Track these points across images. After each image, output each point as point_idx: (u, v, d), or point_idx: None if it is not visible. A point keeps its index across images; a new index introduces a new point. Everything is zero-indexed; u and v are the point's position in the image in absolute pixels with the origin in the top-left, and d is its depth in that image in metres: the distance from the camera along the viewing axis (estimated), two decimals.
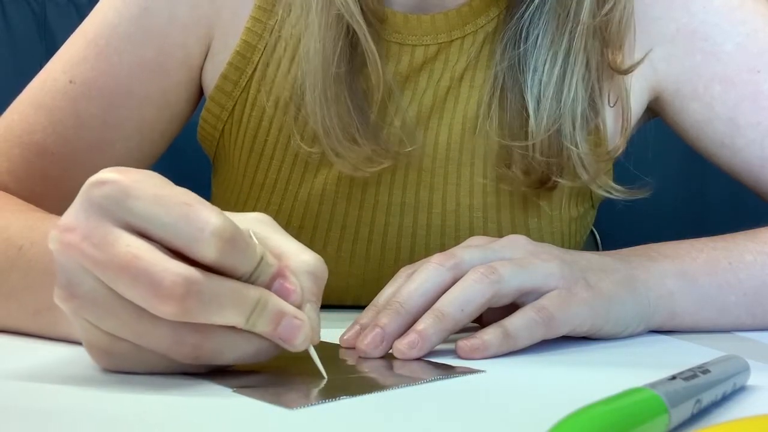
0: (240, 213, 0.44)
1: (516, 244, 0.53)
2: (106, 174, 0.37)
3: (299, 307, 0.40)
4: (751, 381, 0.41)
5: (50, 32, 1.24)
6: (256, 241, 0.40)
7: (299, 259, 0.42)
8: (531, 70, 0.65)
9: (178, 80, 0.69)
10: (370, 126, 0.63)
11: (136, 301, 0.36)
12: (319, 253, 0.68)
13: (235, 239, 0.37)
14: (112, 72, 0.67)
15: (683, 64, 0.68)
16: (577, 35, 0.63)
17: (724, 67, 0.67)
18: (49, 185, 0.67)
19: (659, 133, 0.74)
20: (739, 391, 0.40)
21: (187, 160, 0.94)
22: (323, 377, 0.40)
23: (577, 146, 0.64)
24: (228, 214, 0.42)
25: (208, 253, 0.37)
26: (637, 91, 0.69)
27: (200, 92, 0.72)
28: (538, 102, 0.64)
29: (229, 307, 0.37)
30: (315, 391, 0.38)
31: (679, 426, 0.32)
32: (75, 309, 0.38)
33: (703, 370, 0.36)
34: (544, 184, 0.66)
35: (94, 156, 0.68)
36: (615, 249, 0.59)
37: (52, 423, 0.33)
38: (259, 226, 0.43)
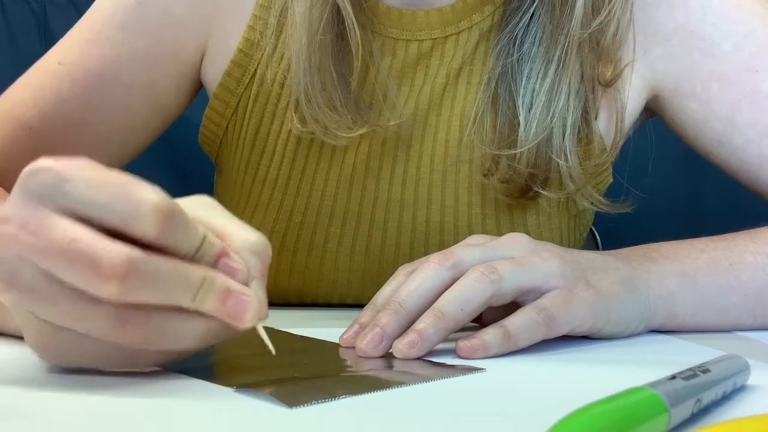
0: (182, 197, 0.43)
1: (516, 242, 0.53)
2: (41, 162, 0.37)
3: (246, 284, 0.40)
4: (751, 381, 0.41)
5: (50, 32, 1.24)
6: (189, 217, 0.40)
7: (242, 237, 0.42)
8: (524, 78, 0.65)
9: (167, 73, 0.70)
10: (351, 95, 0.63)
11: (77, 283, 0.36)
12: (320, 249, 0.70)
13: (174, 215, 0.37)
14: (100, 56, 0.68)
15: (681, 63, 0.68)
16: (569, 45, 0.63)
17: (721, 67, 0.67)
18: (28, 161, 0.67)
19: (658, 133, 0.74)
20: (739, 390, 0.40)
21: (189, 161, 0.94)
22: (272, 353, 0.40)
23: (565, 157, 0.64)
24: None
25: (147, 229, 0.36)
26: (635, 91, 0.69)
27: (195, 89, 0.73)
28: (529, 110, 0.64)
29: (173, 286, 0.37)
30: (315, 391, 0.38)
31: (679, 426, 0.32)
32: (15, 300, 0.37)
33: (703, 369, 0.36)
34: (525, 194, 0.67)
35: (72, 135, 0.69)
36: (615, 249, 0.59)
37: (53, 423, 0.33)
38: (200, 208, 0.42)
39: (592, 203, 0.68)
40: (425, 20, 0.67)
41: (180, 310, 0.38)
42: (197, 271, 0.38)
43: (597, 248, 1.07)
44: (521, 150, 0.64)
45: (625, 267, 0.55)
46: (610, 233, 1.06)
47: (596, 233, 1.07)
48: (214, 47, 0.69)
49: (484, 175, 0.67)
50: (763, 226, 0.62)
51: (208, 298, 0.38)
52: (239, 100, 0.69)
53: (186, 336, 0.39)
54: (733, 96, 0.67)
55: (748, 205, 0.74)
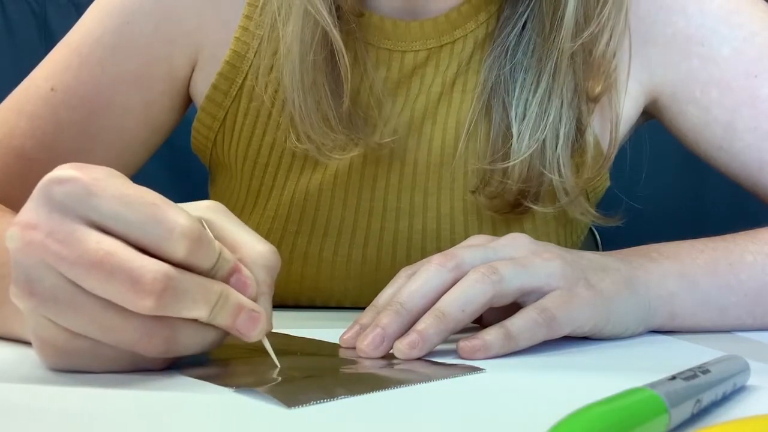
0: (192, 202, 0.44)
1: (517, 242, 0.53)
2: (66, 171, 0.38)
3: (255, 299, 0.42)
4: (751, 381, 0.41)
5: (50, 32, 1.24)
6: (210, 234, 0.41)
7: (255, 250, 0.43)
8: (518, 88, 0.65)
9: (161, 92, 0.69)
10: (343, 114, 0.63)
11: (110, 296, 0.37)
12: (315, 259, 0.69)
13: (200, 239, 0.38)
14: (93, 82, 0.68)
15: (680, 68, 0.68)
16: (560, 56, 0.62)
17: (721, 72, 0.67)
18: (26, 190, 0.67)
19: (659, 133, 0.74)
20: (739, 391, 0.40)
21: (187, 160, 0.94)
22: (277, 366, 0.42)
23: (559, 169, 0.64)
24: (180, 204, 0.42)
25: (177, 252, 0.38)
26: (633, 96, 0.69)
27: (186, 103, 0.72)
28: (522, 120, 0.64)
29: (198, 302, 0.39)
30: (314, 390, 0.38)
31: (679, 426, 0.32)
32: (34, 306, 0.38)
33: (703, 370, 0.36)
34: (513, 209, 0.67)
35: (74, 162, 0.68)
36: (615, 249, 0.59)
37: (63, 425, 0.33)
38: (212, 215, 0.43)
39: (583, 215, 0.68)
40: (420, 30, 0.66)
41: (195, 321, 0.40)
42: (216, 287, 0.39)
43: (597, 249, 1.07)
44: (513, 162, 0.63)
45: (625, 267, 0.55)
46: (610, 234, 1.06)
47: (596, 233, 1.07)
48: (204, 61, 0.68)
49: (472, 192, 0.67)
50: (763, 226, 0.62)
51: (222, 313, 0.40)
52: (226, 113, 0.68)
53: (199, 345, 0.41)
54: (733, 101, 0.67)
55: (749, 206, 0.74)
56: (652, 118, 0.73)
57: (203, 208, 0.43)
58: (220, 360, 0.45)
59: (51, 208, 0.37)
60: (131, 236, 0.37)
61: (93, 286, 0.37)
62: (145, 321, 0.38)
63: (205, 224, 0.42)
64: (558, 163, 0.64)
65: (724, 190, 1.10)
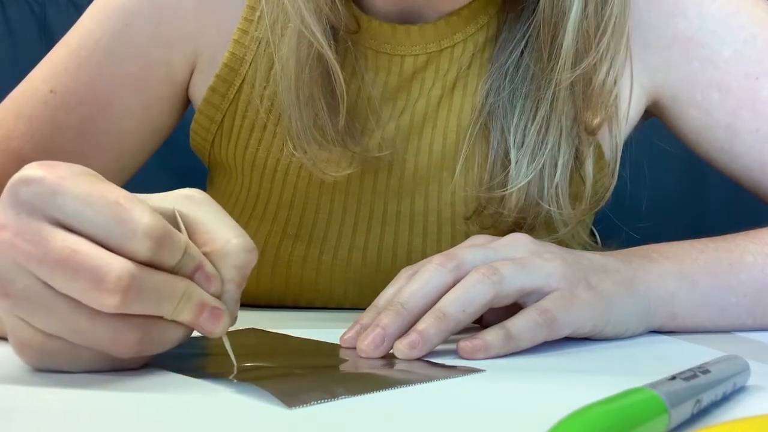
0: (169, 192, 0.44)
1: (518, 243, 0.53)
2: (32, 171, 0.38)
3: (219, 296, 0.42)
4: (751, 381, 0.41)
5: (50, 32, 1.24)
6: (182, 226, 0.41)
7: (229, 244, 0.42)
8: (516, 115, 0.64)
9: (159, 95, 0.69)
10: (339, 132, 0.63)
11: (76, 294, 0.37)
12: (314, 262, 0.69)
13: (164, 238, 0.38)
14: (92, 84, 0.67)
15: (680, 71, 0.67)
16: (558, 86, 0.62)
17: (721, 74, 0.66)
18: None
19: (660, 132, 0.74)
20: (739, 391, 0.40)
21: (187, 161, 0.94)
22: (233, 365, 0.42)
23: (557, 200, 0.63)
24: (155, 195, 0.42)
25: (140, 251, 0.38)
26: (633, 100, 0.68)
27: (185, 105, 0.72)
28: (520, 147, 0.63)
29: (163, 299, 0.39)
30: (314, 390, 0.38)
31: (679, 426, 0.32)
32: (8, 307, 0.38)
33: (703, 370, 0.36)
34: None
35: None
36: (615, 249, 0.59)
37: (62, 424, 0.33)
38: (188, 205, 0.43)
39: (580, 245, 0.68)
40: (419, 35, 0.65)
41: (162, 318, 0.40)
42: (180, 283, 0.39)
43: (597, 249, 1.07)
44: (511, 190, 0.63)
45: (625, 268, 0.55)
46: (610, 234, 1.06)
47: (597, 234, 1.07)
48: (203, 64, 0.68)
49: (466, 219, 0.67)
50: (763, 226, 0.62)
51: (186, 309, 0.40)
52: (224, 116, 0.68)
53: (170, 342, 0.41)
54: (734, 104, 0.66)
55: (749, 206, 0.74)
56: (652, 116, 0.73)
57: (179, 198, 0.43)
58: (209, 354, 0.45)
59: (18, 209, 0.37)
60: (95, 235, 0.37)
61: (60, 285, 0.37)
62: (114, 322, 0.38)
63: (178, 215, 0.42)
64: (556, 193, 0.63)
65: (725, 191, 1.10)
